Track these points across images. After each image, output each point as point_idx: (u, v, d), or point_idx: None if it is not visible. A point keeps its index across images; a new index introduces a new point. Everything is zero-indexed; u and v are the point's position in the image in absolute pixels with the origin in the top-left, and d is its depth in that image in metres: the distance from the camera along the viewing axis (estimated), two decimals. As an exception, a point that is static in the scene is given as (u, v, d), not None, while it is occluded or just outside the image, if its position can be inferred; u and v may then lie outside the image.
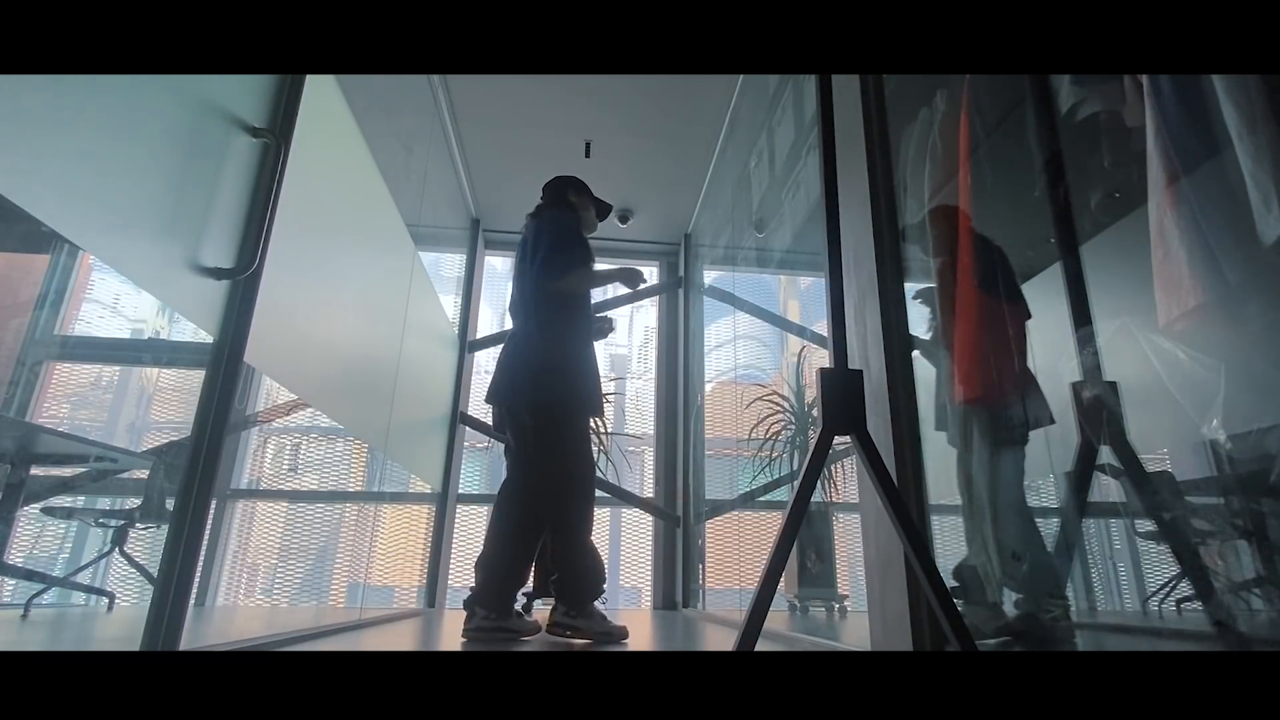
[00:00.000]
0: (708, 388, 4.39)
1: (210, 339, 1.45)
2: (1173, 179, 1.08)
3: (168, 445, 3.33)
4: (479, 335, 4.54)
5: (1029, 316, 1.67)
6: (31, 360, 2.92)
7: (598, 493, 4.21)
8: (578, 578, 2.03)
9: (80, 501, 3.13)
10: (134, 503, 3.06)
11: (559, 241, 2.19)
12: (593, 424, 3.98)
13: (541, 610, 3.72)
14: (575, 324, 2.20)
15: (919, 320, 1.65)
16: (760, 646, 0.91)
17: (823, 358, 3.91)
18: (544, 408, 2.08)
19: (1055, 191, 1.53)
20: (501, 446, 2.33)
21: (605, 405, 2.30)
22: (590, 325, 2.28)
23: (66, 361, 3.28)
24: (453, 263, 4.40)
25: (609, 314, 2.49)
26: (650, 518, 4.50)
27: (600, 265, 2.34)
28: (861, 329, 1.54)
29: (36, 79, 0.97)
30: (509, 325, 2.36)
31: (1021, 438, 1.57)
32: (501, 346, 2.27)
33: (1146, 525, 1.51)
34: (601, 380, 2.25)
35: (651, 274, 5.06)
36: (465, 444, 4.29)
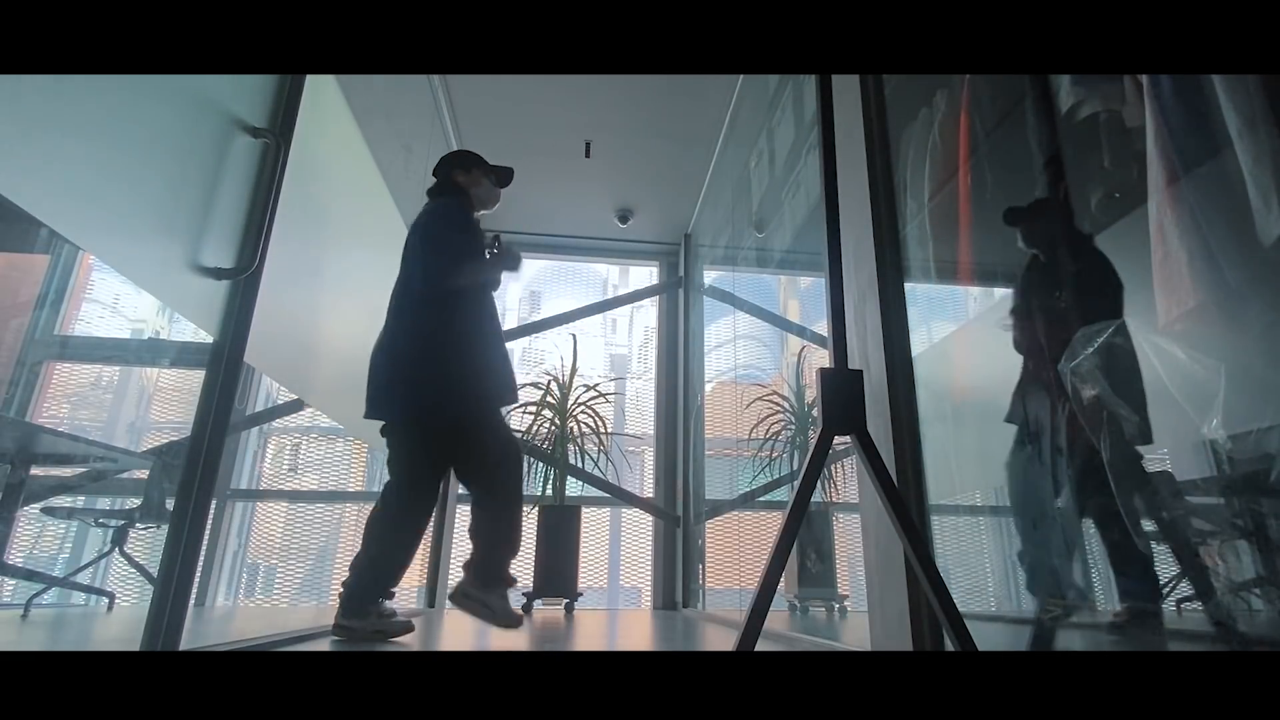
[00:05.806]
0: (708, 388, 4.39)
1: (210, 339, 1.45)
2: (1173, 179, 1.08)
3: (167, 445, 3.33)
4: (479, 335, 4.54)
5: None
6: (31, 360, 2.92)
7: (597, 492, 4.24)
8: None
9: (80, 501, 3.14)
10: (134, 503, 3.06)
11: (435, 242, 2.06)
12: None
13: (541, 610, 3.73)
14: (469, 322, 2.07)
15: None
16: (760, 646, 0.91)
17: (823, 358, 3.91)
18: (458, 422, 2.00)
19: (1055, 191, 1.53)
20: None
21: (518, 390, 2.21)
22: (481, 315, 2.12)
23: (66, 361, 3.29)
24: (453, 263, 4.39)
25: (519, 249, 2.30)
26: (650, 518, 4.50)
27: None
28: (861, 329, 1.54)
29: (37, 79, 0.97)
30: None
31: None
32: (377, 347, 2.08)
33: (1147, 525, 1.51)
34: (508, 362, 2.15)
35: (651, 274, 5.06)
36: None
